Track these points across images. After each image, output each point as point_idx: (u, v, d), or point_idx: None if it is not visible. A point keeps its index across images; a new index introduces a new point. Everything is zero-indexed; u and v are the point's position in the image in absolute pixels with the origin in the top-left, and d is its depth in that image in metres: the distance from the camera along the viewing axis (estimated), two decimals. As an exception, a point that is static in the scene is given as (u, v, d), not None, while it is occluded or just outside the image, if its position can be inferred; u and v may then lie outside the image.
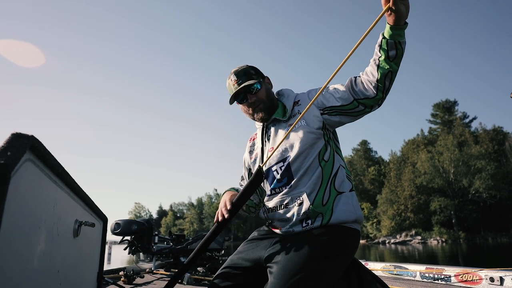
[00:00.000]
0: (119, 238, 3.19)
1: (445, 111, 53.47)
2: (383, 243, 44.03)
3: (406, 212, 45.26)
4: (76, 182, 1.30)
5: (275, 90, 1.65)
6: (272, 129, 1.55)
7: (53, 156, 1.06)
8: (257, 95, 1.50)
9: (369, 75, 1.31)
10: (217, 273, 1.45)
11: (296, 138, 1.43)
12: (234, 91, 1.48)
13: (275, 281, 1.20)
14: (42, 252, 1.04)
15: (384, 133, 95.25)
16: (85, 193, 1.42)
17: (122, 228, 2.93)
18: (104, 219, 1.84)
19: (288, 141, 1.44)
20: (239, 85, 1.48)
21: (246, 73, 1.51)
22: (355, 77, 1.37)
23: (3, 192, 0.75)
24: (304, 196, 1.35)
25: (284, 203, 1.41)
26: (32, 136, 0.91)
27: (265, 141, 1.58)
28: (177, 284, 2.73)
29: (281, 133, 1.49)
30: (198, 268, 3.32)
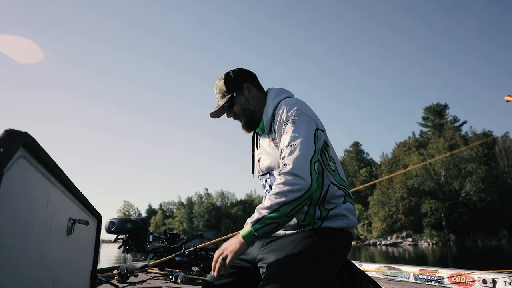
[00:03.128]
0: (109, 236, 3.17)
1: (436, 114, 54.10)
2: (374, 244, 44.38)
3: (397, 214, 45.68)
4: (70, 179, 1.29)
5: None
6: (260, 138, 1.57)
7: (46, 153, 1.05)
8: (233, 111, 1.54)
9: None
10: (211, 272, 1.44)
11: (275, 156, 1.43)
12: (215, 107, 1.55)
13: (267, 282, 1.20)
14: (34, 250, 1.03)
15: (375, 135, 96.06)
16: (79, 190, 1.40)
17: (117, 226, 2.91)
18: (98, 217, 1.82)
19: (270, 156, 1.46)
20: (218, 101, 1.56)
21: (220, 91, 1.54)
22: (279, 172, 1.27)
23: (-5, 188, 0.74)
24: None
25: None
26: (26, 133, 0.90)
27: (256, 149, 1.60)
28: (171, 283, 2.72)
29: (264, 145, 1.52)
30: (193, 268, 3.32)
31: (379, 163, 58.74)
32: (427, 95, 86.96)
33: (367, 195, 53.49)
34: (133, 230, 2.95)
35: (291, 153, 1.26)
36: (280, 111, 1.41)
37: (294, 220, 1.35)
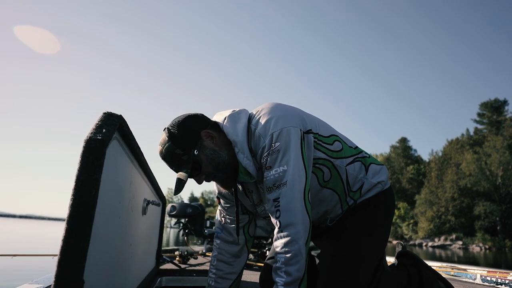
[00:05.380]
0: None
1: (494, 111, 49.90)
2: (420, 245, 42.39)
3: (446, 215, 43.17)
4: (147, 163, 1.37)
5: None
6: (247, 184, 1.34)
7: (133, 137, 1.12)
8: (202, 173, 1.23)
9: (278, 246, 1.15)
10: (269, 256, 1.48)
11: None
12: (175, 182, 1.19)
13: (325, 276, 1.23)
14: (120, 225, 1.11)
15: (424, 131, 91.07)
16: (153, 174, 1.49)
17: (178, 210, 3.08)
18: (163, 201, 1.92)
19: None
20: (176, 171, 1.22)
21: (174, 157, 1.20)
22: (277, 230, 1.17)
23: (100, 165, 0.81)
24: (330, 215, 1.34)
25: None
26: (121, 116, 0.97)
27: (246, 196, 1.38)
28: None
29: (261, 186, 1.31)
30: (249, 254, 3.44)
31: (427, 160, 55.68)
32: (484, 90, 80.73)
33: (414, 193, 51.11)
34: (192, 215, 3.10)
35: (283, 196, 1.13)
36: (256, 142, 1.20)
37: (335, 213, 1.33)
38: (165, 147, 1.19)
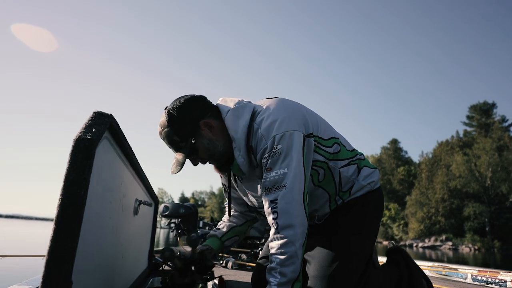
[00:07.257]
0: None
1: (482, 113, 50.64)
2: (410, 246, 42.81)
3: (436, 216, 43.67)
4: (139, 163, 1.36)
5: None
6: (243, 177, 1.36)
7: (124, 136, 1.11)
8: (198, 156, 1.28)
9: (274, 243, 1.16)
10: (261, 256, 1.48)
11: None
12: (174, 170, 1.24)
13: (315, 275, 1.23)
14: (111, 226, 1.10)
15: (414, 132, 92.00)
16: (145, 174, 1.47)
17: (171, 211, 3.04)
18: (156, 201, 1.90)
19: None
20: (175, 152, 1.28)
21: (171, 142, 1.25)
22: (273, 231, 1.18)
23: (89, 165, 0.80)
24: (318, 213, 1.36)
25: None
26: (111, 115, 0.95)
27: (237, 188, 1.41)
28: (223, 269, 2.82)
29: (254, 181, 1.33)
30: (240, 254, 3.43)
31: (417, 162, 56.29)
32: (473, 93, 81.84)
33: (404, 194, 51.59)
34: (185, 215, 3.07)
35: (281, 198, 1.14)
36: (258, 142, 1.20)
37: (323, 212, 1.35)
38: (164, 131, 1.24)
